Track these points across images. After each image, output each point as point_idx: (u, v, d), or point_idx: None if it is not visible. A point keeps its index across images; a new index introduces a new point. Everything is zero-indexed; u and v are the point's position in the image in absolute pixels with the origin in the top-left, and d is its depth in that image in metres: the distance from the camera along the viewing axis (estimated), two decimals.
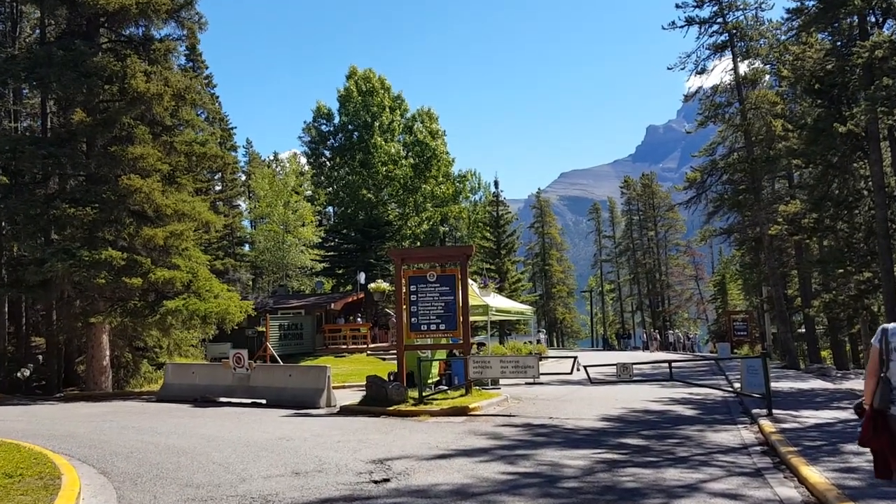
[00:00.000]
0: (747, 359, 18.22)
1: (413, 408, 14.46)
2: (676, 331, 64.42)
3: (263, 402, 16.77)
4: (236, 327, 23.26)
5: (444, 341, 18.82)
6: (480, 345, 37.81)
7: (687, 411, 15.08)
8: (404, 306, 16.73)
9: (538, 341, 43.74)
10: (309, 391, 16.25)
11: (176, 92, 21.48)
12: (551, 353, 41.46)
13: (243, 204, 58.84)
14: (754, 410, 14.03)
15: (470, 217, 58.87)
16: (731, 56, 32.44)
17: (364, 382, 16.56)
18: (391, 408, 14.49)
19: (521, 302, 45.85)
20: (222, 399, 17.61)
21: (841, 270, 21.78)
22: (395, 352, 19.74)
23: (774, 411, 13.22)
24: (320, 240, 51.13)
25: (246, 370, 17.32)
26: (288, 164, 56.44)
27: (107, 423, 13.59)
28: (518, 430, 11.91)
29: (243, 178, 57.86)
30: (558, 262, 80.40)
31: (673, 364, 16.96)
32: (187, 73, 23.58)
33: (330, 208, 56.36)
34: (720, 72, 33.18)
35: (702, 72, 33.09)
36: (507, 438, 11.00)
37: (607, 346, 71.35)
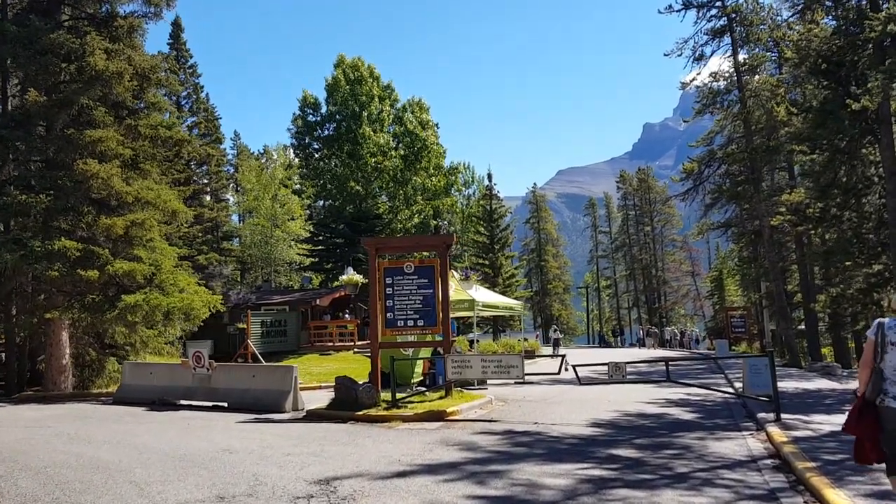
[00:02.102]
0: (750, 357, 16.96)
1: (385, 412, 13.11)
2: (673, 327, 63.18)
3: (225, 405, 15.41)
4: (202, 323, 21.87)
5: (429, 338, 17.46)
6: (473, 341, 36.51)
7: (685, 415, 13.78)
8: (379, 300, 15.36)
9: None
10: (273, 393, 14.89)
11: (140, 71, 20.08)
12: (550, 350, 40.12)
13: (232, 198, 57.36)
14: (760, 415, 12.74)
15: (464, 212, 57.42)
16: (730, 41, 31.12)
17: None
18: (360, 412, 13.14)
19: (515, 298, 44.53)
20: (182, 402, 16.25)
21: (849, 263, 20.44)
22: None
23: (782, 416, 11.94)
24: (309, 234, 49.73)
25: (206, 370, 15.95)
26: (276, 156, 54.87)
27: (42, 430, 12.22)
28: (496, 439, 10.57)
29: (231, 171, 56.33)
30: (554, 257, 78.94)
31: (670, 362, 15.73)
32: (160, 56, 22.12)
33: (320, 202, 54.86)
34: (719, 58, 31.67)
35: (700, 58, 31.71)
36: (483, 449, 9.67)
37: (603, 343, 70.09)
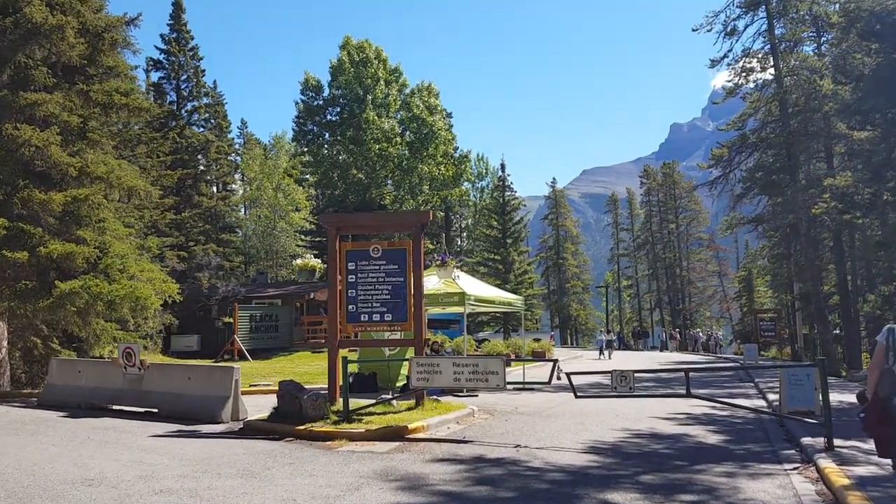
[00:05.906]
0: (790, 367, 14.24)
1: (331, 428, 10.54)
2: (698, 330, 59.99)
3: (156, 411, 12.97)
4: (191, 316, 19.49)
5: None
6: (482, 341, 33.80)
7: (709, 436, 11.11)
8: (339, 289, 12.81)
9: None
10: (210, 399, 12.40)
11: (93, 31, 17.77)
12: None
13: (240, 189, 55.28)
14: (804, 440, 10.06)
15: (476, 205, 54.72)
16: (765, 14, 28.13)
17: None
18: (302, 427, 10.59)
19: (528, 295, 41.85)
20: (113, 406, 13.82)
21: None
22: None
23: (834, 442, 9.24)
24: (314, 227, 47.31)
25: (138, 370, 13.50)
26: (282, 145, 52.55)
27: None
28: (456, 472, 7.95)
29: (239, 160, 54.17)
30: (573, 255, 75.84)
31: (693, 368, 13.11)
32: (121, 17, 19.63)
33: (323, 191, 52.41)
34: (753, 34, 28.67)
35: (731, 33, 28.76)
36: (429, 489, 7.07)
37: (623, 346, 67.03)
